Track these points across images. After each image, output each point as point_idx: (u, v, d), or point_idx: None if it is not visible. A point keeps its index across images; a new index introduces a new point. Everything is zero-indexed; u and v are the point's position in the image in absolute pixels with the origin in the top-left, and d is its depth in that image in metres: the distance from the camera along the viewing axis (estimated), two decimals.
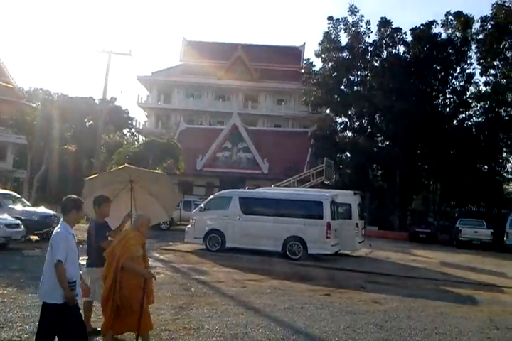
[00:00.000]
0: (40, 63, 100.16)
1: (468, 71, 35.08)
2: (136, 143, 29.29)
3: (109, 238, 5.87)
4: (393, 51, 35.38)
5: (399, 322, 7.55)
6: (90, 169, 29.08)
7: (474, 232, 24.65)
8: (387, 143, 35.45)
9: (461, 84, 34.90)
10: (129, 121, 62.91)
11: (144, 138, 34.49)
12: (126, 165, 6.64)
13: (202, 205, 16.15)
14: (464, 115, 35.50)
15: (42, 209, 16.29)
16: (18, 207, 15.43)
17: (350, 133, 37.12)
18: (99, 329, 5.44)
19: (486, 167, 36.16)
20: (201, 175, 36.45)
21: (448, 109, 35.15)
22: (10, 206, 15.13)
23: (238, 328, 6.58)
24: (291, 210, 14.98)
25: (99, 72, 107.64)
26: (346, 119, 36.57)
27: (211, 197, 16.51)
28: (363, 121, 36.10)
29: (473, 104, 35.78)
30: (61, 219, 4.50)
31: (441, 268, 15.36)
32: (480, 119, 35.30)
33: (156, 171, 7.32)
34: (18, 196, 16.85)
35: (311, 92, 36.01)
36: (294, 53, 57.60)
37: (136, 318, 5.08)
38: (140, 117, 68.11)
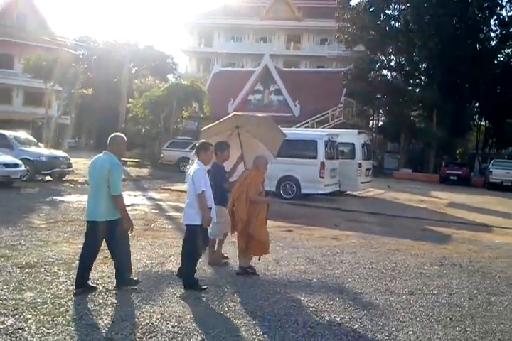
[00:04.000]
0: (93, 14, 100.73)
1: None
2: (162, 87, 29.23)
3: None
4: None
5: (335, 257, 7.44)
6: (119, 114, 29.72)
7: (506, 173, 23.39)
8: (425, 80, 33.38)
9: (510, 14, 31.84)
10: (174, 67, 62.98)
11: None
12: (235, 113, 7.06)
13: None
14: (510, 50, 32.60)
15: (51, 151, 17.02)
16: (29, 148, 16.14)
17: (386, 72, 35.29)
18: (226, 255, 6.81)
19: None
20: None
21: (493, 43, 32.35)
22: (20, 148, 15.85)
23: (159, 259, 6.74)
24: (286, 150, 14.46)
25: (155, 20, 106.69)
26: (383, 57, 34.53)
27: (112, 135, 16.33)
28: (400, 58, 34.03)
29: None
30: (196, 160, 5.54)
31: (444, 209, 14.86)
32: None
33: (262, 115, 7.76)
34: (33, 139, 17.57)
35: (345, 29, 34.12)
36: None
37: (264, 242, 6.21)
38: (185, 62, 67.84)
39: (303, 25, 52.40)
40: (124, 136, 5.38)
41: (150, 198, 13.67)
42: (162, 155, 24.79)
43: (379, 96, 35.35)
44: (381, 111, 35.55)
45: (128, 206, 11.42)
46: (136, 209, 11.17)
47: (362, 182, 16.36)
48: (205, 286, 5.45)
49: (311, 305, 5.12)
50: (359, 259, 7.38)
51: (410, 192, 19.71)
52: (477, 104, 33.25)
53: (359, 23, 33.31)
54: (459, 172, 26.32)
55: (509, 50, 32.86)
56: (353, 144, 16.07)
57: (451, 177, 26.15)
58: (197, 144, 5.70)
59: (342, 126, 25.96)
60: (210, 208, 5.40)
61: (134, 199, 13.02)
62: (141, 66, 56.17)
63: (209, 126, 7.17)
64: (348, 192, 17.12)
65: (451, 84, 29.98)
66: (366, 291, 5.74)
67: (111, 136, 5.26)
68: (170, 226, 9.32)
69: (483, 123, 37.69)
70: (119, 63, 49.87)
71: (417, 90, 32.68)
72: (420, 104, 33.09)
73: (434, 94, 30.31)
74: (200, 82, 31.37)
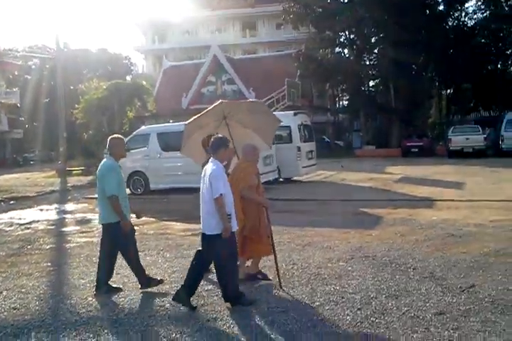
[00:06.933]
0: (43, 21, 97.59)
1: None
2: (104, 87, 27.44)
3: None
4: None
5: None
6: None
7: (465, 140, 22.35)
8: (377, 54, 32.09)
9: None
10: (131, 68, 60.97)
11: (144, 83, 32.83)
12: (221, 101, 5.94)
13: None
14: (459, 13, 31.47)
15: None
16: None
17: (339, 49, 33.97)
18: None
19: (492, 67, 32.59)
20: (189, 114, 33.83)
21: (441, 8, 31.16)
22: None
23: None
24: None
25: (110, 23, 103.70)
26: (332, 34, 33.06)
27: (131, 135, 15.00)
28: (350, 34, 32.74)
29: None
30: (211, 158, 4.72)
31: (390, 186, 13.63)
32: (481, 15, 31.27)
33: (252, 100, 6.58)
34: None
35: (290, 9, 32.63)
36: None
37: (265, 243, 5.34)
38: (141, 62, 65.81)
39: (256, 12, 51.23)
40: (120, 137, 5.45)
41: (61, 211, 12.24)
42: None
43: (334, 75, 34.08)
44: (339, 89, 34.27)
45: (25, 224, 10.28)
46: (28, 228, 9.75)
47: (304, 167, 15.10)
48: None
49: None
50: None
51: (365, 170, 18.52)
52: (434, 72, 32.11)
53: (303, 2, 31.88)
54: (420, 144, 25.22)
55: (457, 14, 31.75)
56: (289, 127, 14.76)
57: (413, 150, 25.08)
58: (212, 139, 4.84)
59: (295, 109, 24.63)
60: (230, 215, 4.56)
61: (39, 215, 11.61)
62: (96, 70, 54.08)
63: (194, 117, 6.10)
64: (295, 178, 15.89)
65: (404, 55, 28.71)
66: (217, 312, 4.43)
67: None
68: (49, 247, 7.90)
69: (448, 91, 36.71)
70: (75, 70, 47.96)
71: (370, 65, 31.37)
72: (376, 79, 31.88)
73: (388, 67, 29.12)
74: (144, 79, 29.87)
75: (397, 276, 5.32)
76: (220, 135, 4.98)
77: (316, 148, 17.12)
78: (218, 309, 4.56)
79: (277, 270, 5.27)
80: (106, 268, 5.26)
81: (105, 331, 4.14)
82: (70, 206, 13.15)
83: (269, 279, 5.41)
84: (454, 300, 4.50)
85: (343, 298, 4.71)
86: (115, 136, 5.45)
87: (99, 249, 7.31)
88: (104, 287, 5.17)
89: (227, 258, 4.63)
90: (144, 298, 5.05)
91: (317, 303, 4.59)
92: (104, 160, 5.31)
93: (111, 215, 5.07)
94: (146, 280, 5.24)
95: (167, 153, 13.72)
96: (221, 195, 4.46)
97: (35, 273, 6.14)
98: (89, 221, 10.37)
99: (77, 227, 9.59)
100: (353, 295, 4.76)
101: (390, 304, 4.48)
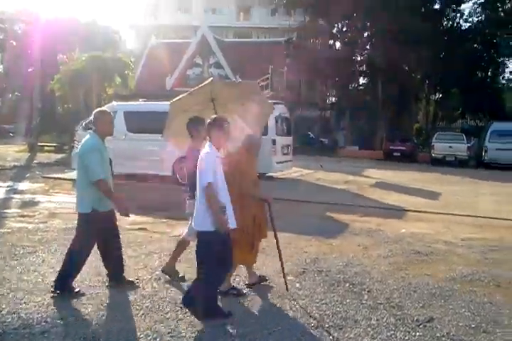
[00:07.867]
0: None
1: None
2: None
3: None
4: None
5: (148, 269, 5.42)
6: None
7: (448, 147, 21.89)
8: (368, 49, 31.43)
9: None
10: (120, 43, 59.44)
11: (132, 60, 31.73)
12: (212, 78, 5.41)
13: (84, 123, 13.86)
14: (454, 14, 30.90)
15: None
16: None
17: (330, 42, 33.20)
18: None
19: (482, 74, 32.17)
20: (172, 96, 32.92)
21: (438, 6, 30.54)
22: None
23: None
24: None
25: None
26: (325, 24, 32.20)
27: (94, 111, 14.08)
28: (342, 26, 31.96)
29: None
30: (207, 142, 4.17)
31: (365, 191, 12.99)
32: (476, 19, 30.74)
33: (244, 81, 5.84)
34: None
35: None
36: None
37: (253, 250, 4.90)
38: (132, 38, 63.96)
39: None
40: (107, 111, 4.86)
41: (11, 190, 11.39)
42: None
43: (324, 68, 33.26)
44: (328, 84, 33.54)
45: None
46: None
47: (278, 162, 14.37)
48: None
49: None
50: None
51: (343, 171, 17.88)
52: (424, 74, 31.57)
53: None
54: (403, 148, 24.70)
55: (453, 14, 31.09)
56: None
57: (395, 154, 24.55)
58: (208, 120, 4.26)
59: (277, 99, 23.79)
60: (224, 207, 3.95)
61: None
62: (83, 42, 52.47)
63: (179, 96, 5.45)
64: (270, 174, 15.17)
65: (395, 53, 28.08)
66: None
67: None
68: None
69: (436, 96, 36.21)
70: (62, 40, 46.28)
71: (361, 60, 30.72)
72: (365, 77, 31.23)
73: (378, 64, 28.46)
74: (132, 55, 28.80)
75: (347, 300, 4.67)
76: (214, 116, 4.43)
77: (294, 144, 16.42)
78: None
79: (284, 277, 4.94)
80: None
81: None
82: (24, 185, 12.29)
83: (244, 294, 4.72)
84: (407, 338, 3.87)
85: (278, 325, 4.03)
86: (101, 109, 4.88)
87: (29, 237, 6.69)
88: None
89: (217, 261, 4.03)
90: (50, 304, 4.30)
91: (246, 330, 3.90)
92: (87, 137, 4.58)
93: (83, 203, 4.47)
94: (63, 286, 4.45)
95: (134, 134, 12.89)
96: (209, 183, 3.88)
97: None
98: (36, 203, 9.58)
99: (19, 210, 8.78)
100: (291, 322, 4.09)
101: (330, 337, 3.82)
